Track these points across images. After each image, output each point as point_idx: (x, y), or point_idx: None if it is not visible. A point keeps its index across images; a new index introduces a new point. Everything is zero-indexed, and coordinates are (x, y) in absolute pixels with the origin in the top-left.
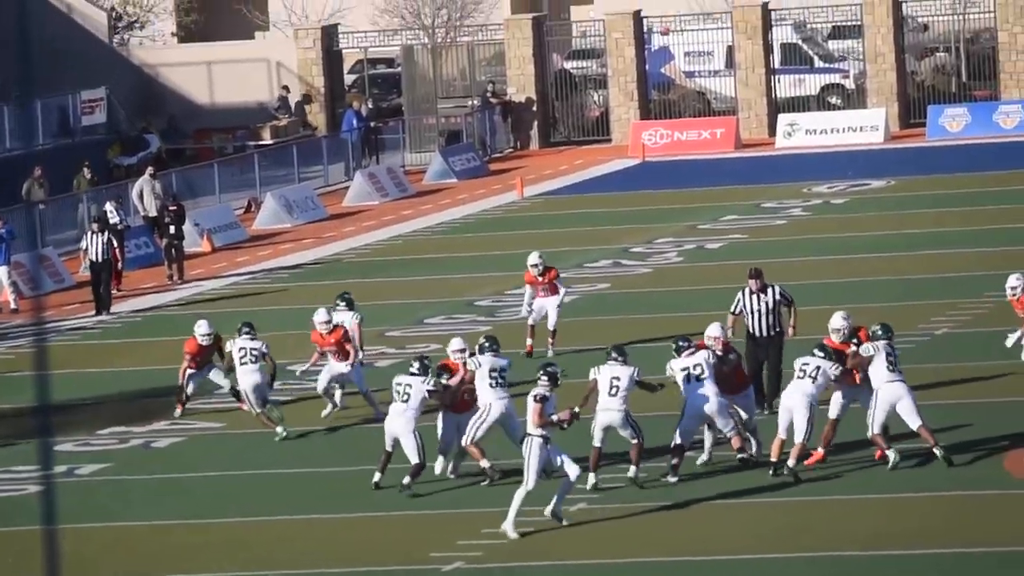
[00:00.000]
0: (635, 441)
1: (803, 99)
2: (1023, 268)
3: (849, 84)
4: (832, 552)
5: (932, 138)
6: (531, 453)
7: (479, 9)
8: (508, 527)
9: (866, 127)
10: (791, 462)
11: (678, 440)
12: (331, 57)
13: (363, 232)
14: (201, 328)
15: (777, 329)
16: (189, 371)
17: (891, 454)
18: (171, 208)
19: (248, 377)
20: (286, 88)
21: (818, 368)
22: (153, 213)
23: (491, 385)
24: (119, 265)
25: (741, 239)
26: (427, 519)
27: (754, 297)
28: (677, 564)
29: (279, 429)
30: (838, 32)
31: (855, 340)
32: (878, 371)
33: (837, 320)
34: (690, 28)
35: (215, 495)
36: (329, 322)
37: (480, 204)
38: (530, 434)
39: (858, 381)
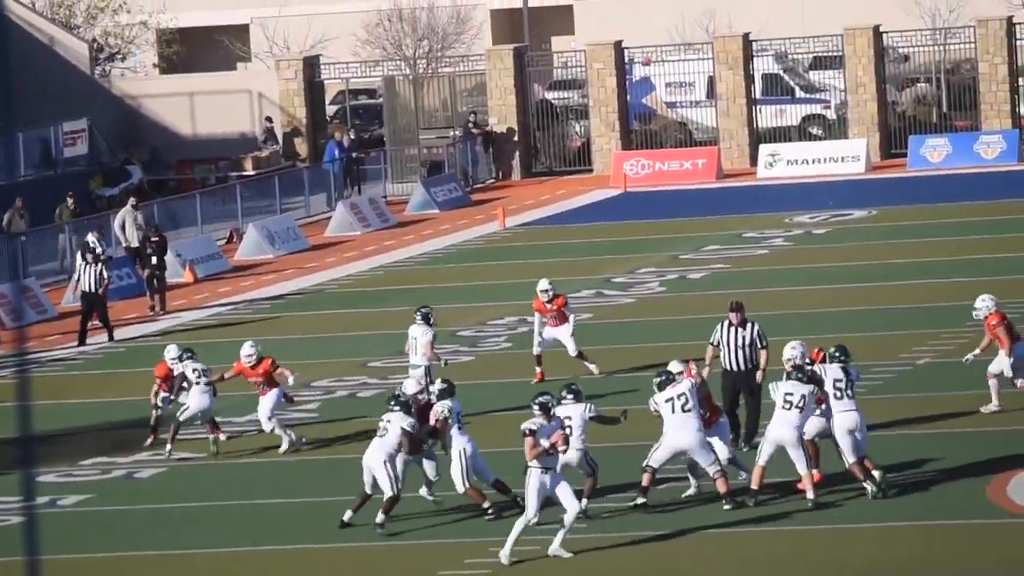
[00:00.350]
0: (589, 478)
1: (784, 129)
2: (1005, 297)
3: (830, 114)
4: None
5: (913, 168)
6: (529, 484)
7: (460, 40)
8: (504, 554)
9: (847, 157)
10: (810, 495)
11: (650, 463)
12: (313, 88)
13: (345, 263)
14: (170, 352)
15: (752, 364)
16: (161, 393)
17: (868, 486)
18: (153, 239)
19: (198, 398)
20: (269, 119)
21: (803, 396)
22: (135, 244)
23: (459, 428)
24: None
25: (723, 269)
26: (410, 549)
27: (732, 330)
28: None
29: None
30: (819, 63)
31: (808, 360)
32: (830, 398)
33: (787, 351)
34: (671, 59)
35: (198, 526)
36: (252, 355)
37: (462, 234)
38: (529, 466)
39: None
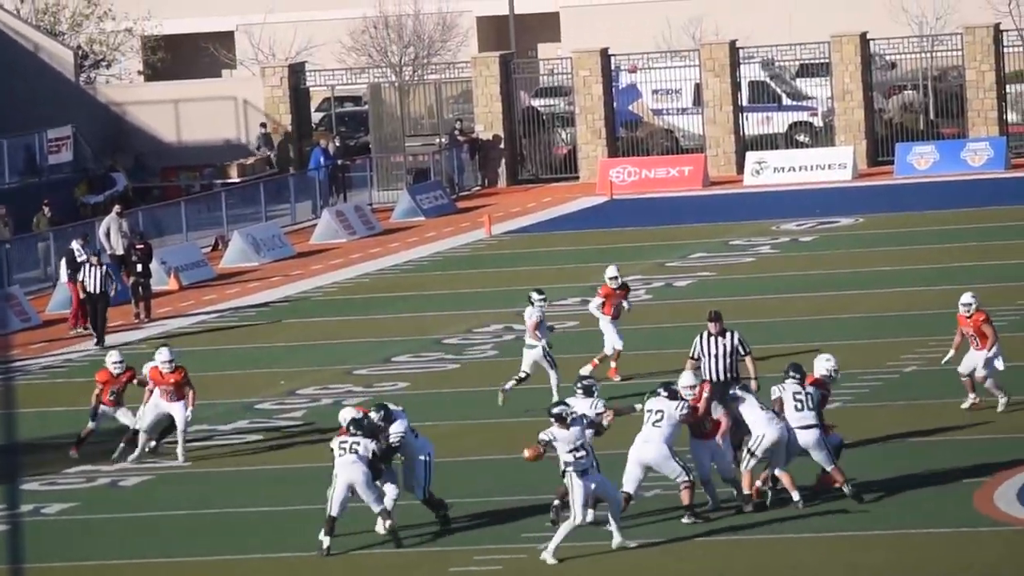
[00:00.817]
0: None
1: (771, 137)
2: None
3: (817, 122)
4: None
5: (900, 176)
6: (572, 489)
7: (446, 47)
8: (548, 555)
9: (834, 165)
10: (847, 488)
11: (625, 488)
12: (298, 95)
13: (331, 270)
14: (112, 356)
15: (734, 374)
16: (102, 407)
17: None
18: (138, 246)
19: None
20: (264, 124)
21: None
22: (120, 251)
23: (416, 437)
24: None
25: (709, 277)
26: (395, 557)
27: (712, 340)
28: None
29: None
30: (806, 70)
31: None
32: (788, 412)
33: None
34: (658, 66)
35: (183, 534)
36: (171, 362)
37: (448, 242)
38: (565, 470)
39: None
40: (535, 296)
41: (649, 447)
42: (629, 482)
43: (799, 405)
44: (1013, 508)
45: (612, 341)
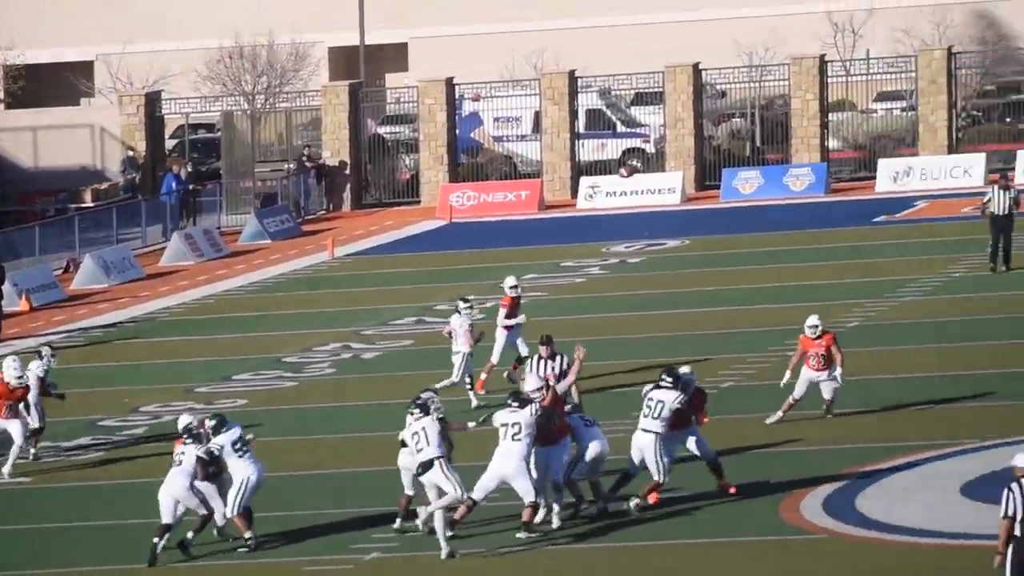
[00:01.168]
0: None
1: (605, 162)
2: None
3: (650, 148)
4: None
5: (725, 199)
6: (447, 475)
7: (299, 76)
8: (443, 553)
9: (664, 189)
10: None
11: (473, 495)
12: (153, 123)
13: (177, 291)
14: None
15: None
16: None
17: (588, 505)
18: None
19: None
20: (131, 148)
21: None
22: None
23: (240, 456)
24: None
25: (541, 296)
26: (221, 570)
27: (543, 363)
28: None
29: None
30: (641, 98)
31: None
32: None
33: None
34: (500, 94)
35: (23, 548)
36: (21, 378)
37: (292, 264)
38: (438, 460)
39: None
40: (462, 305)
41: (509, 459)
42: (480, 491)
43: (646, 411)
44: (817, 517)
45: (496, 352)
